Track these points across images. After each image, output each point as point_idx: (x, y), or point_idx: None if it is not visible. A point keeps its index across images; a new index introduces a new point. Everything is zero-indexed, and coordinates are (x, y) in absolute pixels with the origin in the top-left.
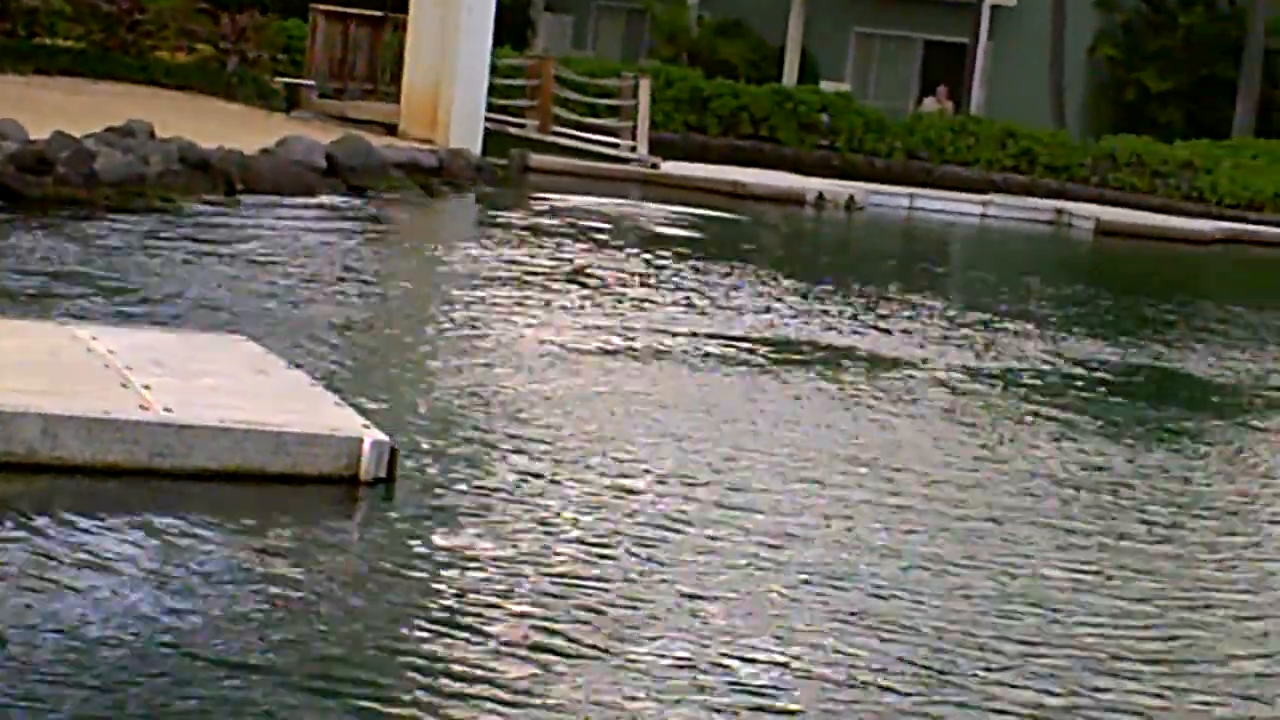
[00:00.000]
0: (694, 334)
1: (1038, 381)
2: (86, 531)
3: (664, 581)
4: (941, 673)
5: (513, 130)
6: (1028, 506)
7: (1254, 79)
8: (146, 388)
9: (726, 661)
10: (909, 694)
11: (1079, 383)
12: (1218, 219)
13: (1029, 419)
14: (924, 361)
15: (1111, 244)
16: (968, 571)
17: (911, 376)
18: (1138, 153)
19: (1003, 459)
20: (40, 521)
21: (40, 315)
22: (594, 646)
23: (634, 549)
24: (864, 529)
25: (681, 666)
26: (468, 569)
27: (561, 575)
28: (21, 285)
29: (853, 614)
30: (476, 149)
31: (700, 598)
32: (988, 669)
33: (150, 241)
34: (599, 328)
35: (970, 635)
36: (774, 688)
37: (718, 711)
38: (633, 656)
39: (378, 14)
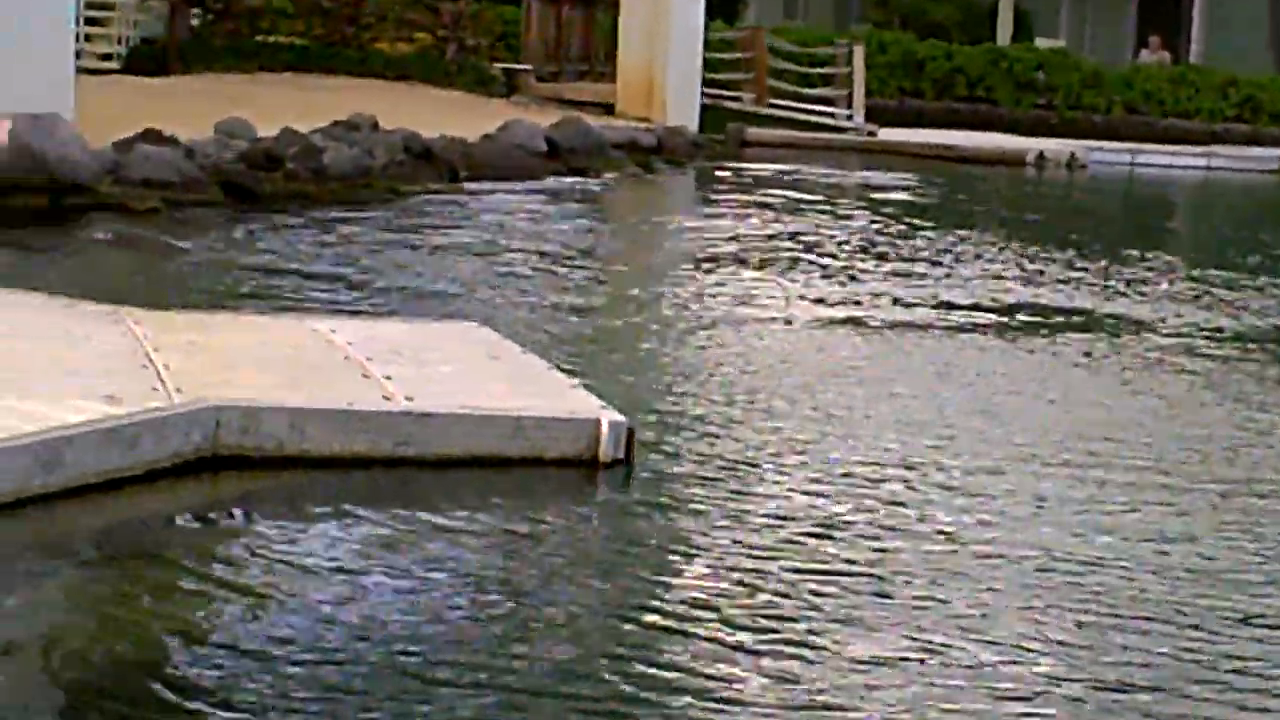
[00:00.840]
0: (926, 304)
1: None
2: (336, 528)
3: (903, 575)
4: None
5: (729, 104)
6: None
7: None
8: (387, 378)
9: (971, 658)
10: (1167, 690)
11: None
12: None
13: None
14: (1162, 323)
15: None
16: (1237, 555)
17: (1152, 341)
18: None
19: (1265, 429)
20: (290, 518)
21: (279, 309)
22: (835, 643)
23: (871, 537)
24: (1112, 512)
25: (925, 656)
26: (706, 556)
27: (799, 568)
28: (259, 280)
29: (1104, 603)
30: (694, 125)
31: (937, 590)
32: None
33: (380, 233)
34: (829, 301)
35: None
36: (1026, 692)
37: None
38: (873, 654)
39: None
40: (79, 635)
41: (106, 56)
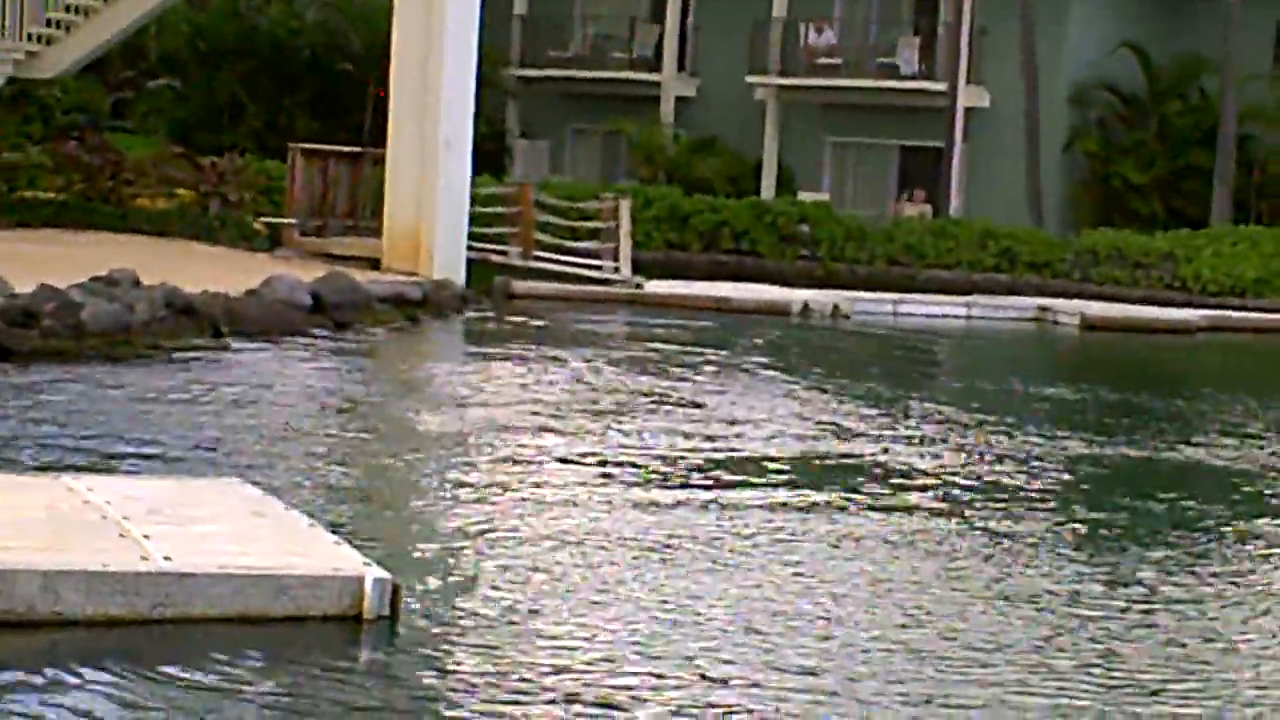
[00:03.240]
0: (694, 455)
1: (1038, 484)
2: (89, 689)
3: None
4: None
5: (495, 258)
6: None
7: (1228, 166)
8: (145, 537)
9: None
10: None
11: (1083, 483)
12: (1201, 307)
13: (1017, 535)
14: (917, 471)
15: (1098, 338)
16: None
17: (905, 486)
18: (1118, 246)
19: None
20: (41, 680)
21: (35, 469)
22: None
23: (645, 694)
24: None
25: None
26: (472, 709)
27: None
28: (14, 439)
29: None
30: (460, 279)
31: None
32: None
33: (140, 389)
34: (594, 454)
35: None
36: None
37: None
38: None
39: (356, 150)
40: None
41: None
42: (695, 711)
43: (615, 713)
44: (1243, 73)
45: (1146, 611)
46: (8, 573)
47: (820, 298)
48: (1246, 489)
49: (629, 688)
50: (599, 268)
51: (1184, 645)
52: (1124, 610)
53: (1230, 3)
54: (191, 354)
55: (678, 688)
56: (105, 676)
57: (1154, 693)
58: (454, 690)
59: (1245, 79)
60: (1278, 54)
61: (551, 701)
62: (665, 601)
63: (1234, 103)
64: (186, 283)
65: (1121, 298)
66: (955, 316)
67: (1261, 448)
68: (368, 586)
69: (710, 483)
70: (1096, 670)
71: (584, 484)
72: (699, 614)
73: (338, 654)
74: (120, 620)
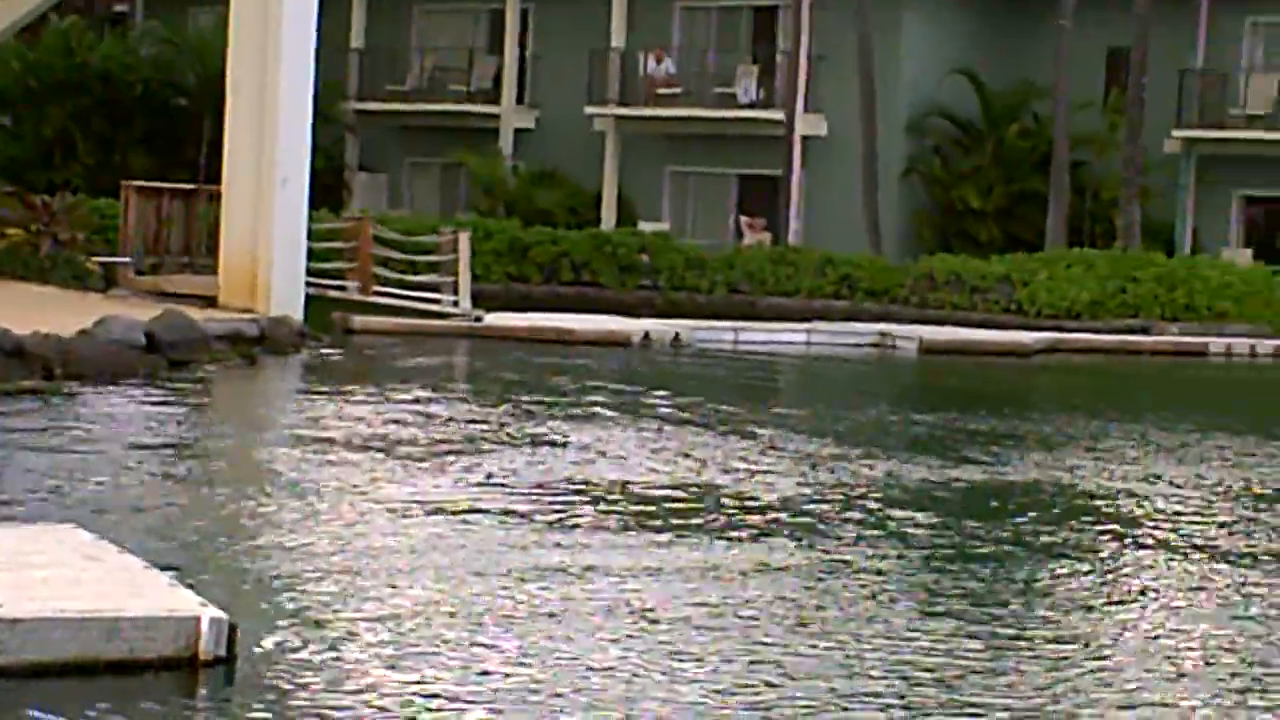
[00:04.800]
0: (546, 490)
1: (873, 506)
2: None
3: None
4: None
5: (334, 293)
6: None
7: (1062, 191)
8: None
9: None
10: None
11: (913, 509)
12: (1037, 330)
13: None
14: (763, 500)
15: (937, 362)
16: None
17: (750, 513)
18: (955, 271)
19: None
20: None
21: None
22: None
23: None
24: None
25: None
26: None
27: None
28: None
29: None
30: (299, 315)
31: None
32: None
33: None
34: (443, 491)
35: None
36: None
37: None
38: None
39: (190, 187)
40: None
41: None
42: None
43: None
44: (1075, 99)
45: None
46: None
47: (661, 327)
48: (1090, 507)
49: None
50: (439, 301)
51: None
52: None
53: (1062, 30)
54: (22, 397)
55: None
56: None
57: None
58: None
59: (1078, 106)
60: (1109, 81)
61: None
62: (508, 638)
63: (1066, 129)
64: (16, 324)
65: (959, 322)
66: (796, 344)
67: (1100, 467)
68: (203, 627)
69: (563, 517)
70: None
71: (434, 523)
72: (554, 657)
73: (173, 696)
74: None
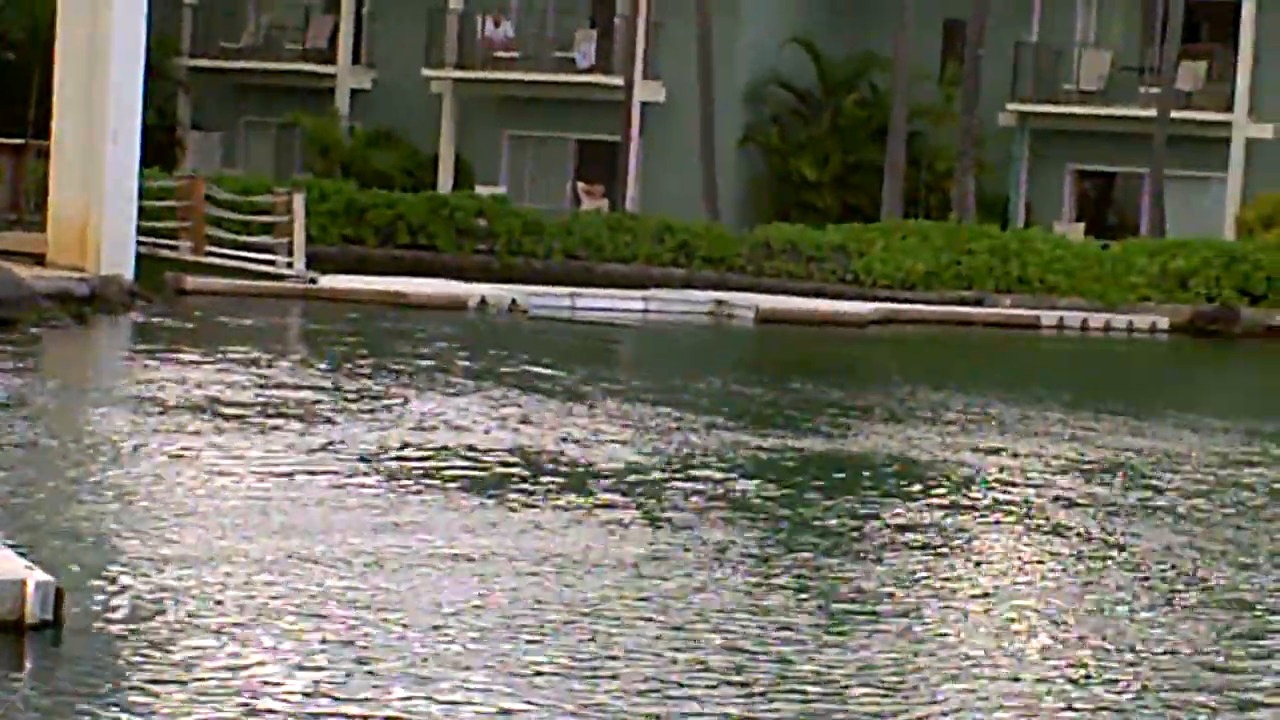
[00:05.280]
0: (382, 454)
1: (714, 475)
2: None
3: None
4: None
5: (166, 253)
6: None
7: (899, 161)
8: None
9: None
10: None
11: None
12: (873, 300)
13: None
14: (588, 464)
15: (772, 331)
16: None
17: (587, 478)
18: (791, 240)
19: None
20: None
21: None
22: None
23: (307, 692)
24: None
25: None
26: (136, 713)
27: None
28: None
29: None
30: (130, 274)
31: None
32: None
33: None
34: (278, 455)
35: None
36: None
37: None
38: None
39: (19, 142)
40: None
41: None
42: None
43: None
44: (912, 71)
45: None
46: None
47: (497, 292)
48: (930, 478)
49: (291, 693)
50: (273, 263)
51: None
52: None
53: (901, 2)
54: None
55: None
56: None
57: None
58: (115, 695)
59: (915, 78)
60: (946, 53)
61: (216, 705)
62: (331, 598)
63: (904, 100)
64: None
65: (795, 291)
66: (634, 311)
67: (940, 439)
68: (29, 590)
69: (399, 481)
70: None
71: (264, 487)
72: (384, 615)
73: None
74: None
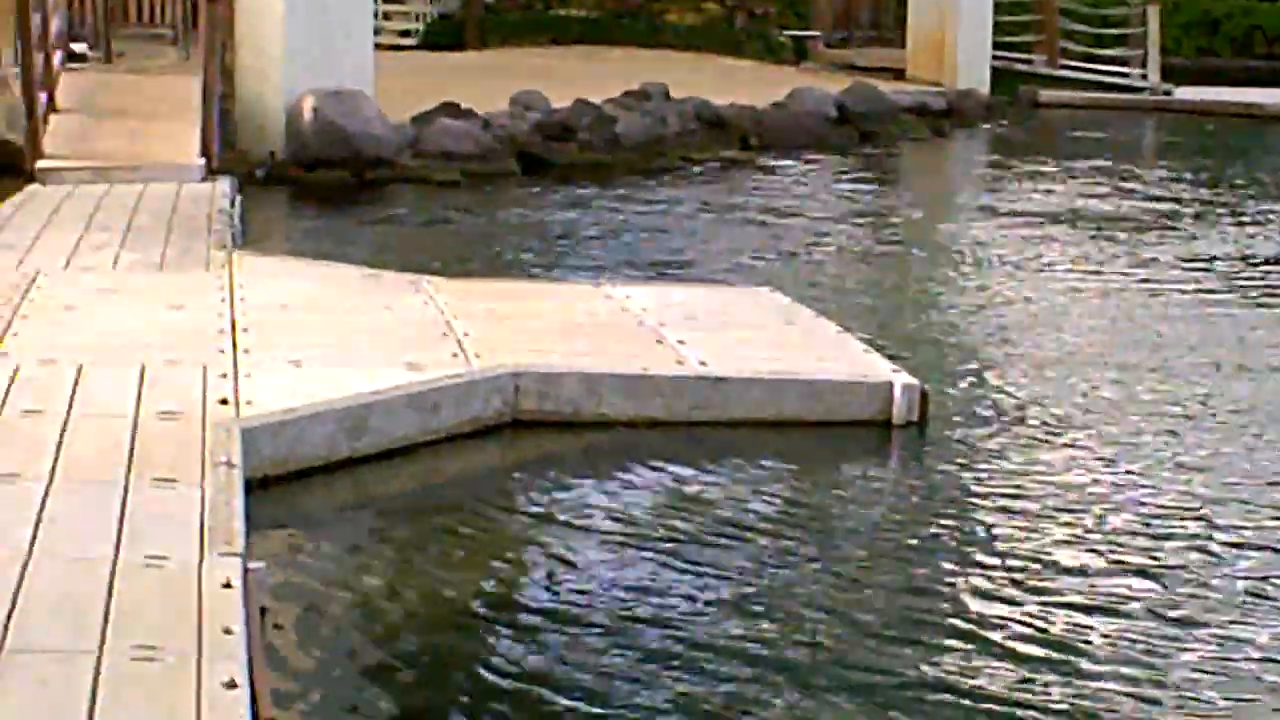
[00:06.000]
0: (1230, 268)
1: None
2: (628, 487)
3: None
4: None
5: (1019, 66)
6: None
7: None
8: (681, 343)
9: None
10: None
11: None
12: None
13: None
14: None
15: None
16: None
17: None
18: None
19: None
20: (594, 476)
21: (575, 277)
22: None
23: (1163, 530)
24: None
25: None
26: (1004, 521)
27: (1104, 540)
28: (555, 248)
29: None
30: (985, 88)
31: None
32: None
33: (673, 200)
34: (1129, 262)
35: None
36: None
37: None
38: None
39: None
40: (382, 589)
41: (405, 33)
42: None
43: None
44: None
45: None
46: (554, 375)
47: None
48: None
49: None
50: (1126, 75)
51: None
52: None
53: None
54: (722, 166)
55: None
56: (648, 477)
57: None
58: (978, 495)
59: None
60: None
61: (1077, 514)
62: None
63: None
64: (714, 96)
65: None
66: None
67: None
68: (896, 392)
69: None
70: None
71: (1125, 295)
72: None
73: (869, 457)
74: (658, 422)
